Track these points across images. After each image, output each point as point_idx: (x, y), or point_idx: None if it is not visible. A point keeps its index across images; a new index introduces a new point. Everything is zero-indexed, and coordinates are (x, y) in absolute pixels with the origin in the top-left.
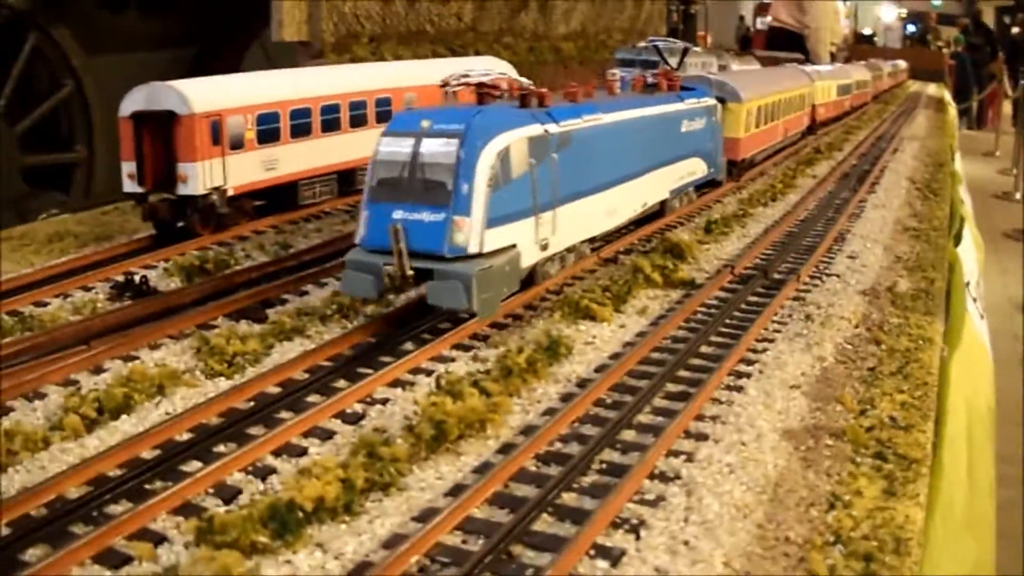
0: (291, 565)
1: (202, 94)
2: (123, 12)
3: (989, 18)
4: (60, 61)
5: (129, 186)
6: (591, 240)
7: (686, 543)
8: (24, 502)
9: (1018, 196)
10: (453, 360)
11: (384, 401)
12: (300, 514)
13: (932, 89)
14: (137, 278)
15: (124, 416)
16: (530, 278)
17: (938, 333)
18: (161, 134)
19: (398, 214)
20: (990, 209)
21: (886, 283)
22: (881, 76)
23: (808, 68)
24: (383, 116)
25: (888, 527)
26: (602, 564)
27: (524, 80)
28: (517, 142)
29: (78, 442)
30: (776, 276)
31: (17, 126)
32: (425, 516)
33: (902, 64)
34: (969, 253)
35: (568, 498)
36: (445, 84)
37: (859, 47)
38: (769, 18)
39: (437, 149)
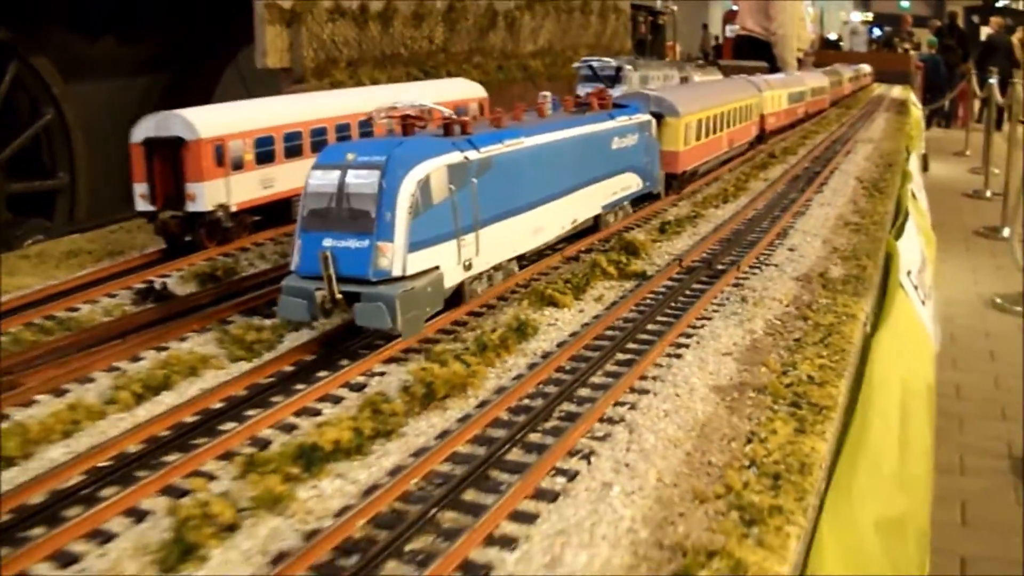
0: (317, 489)
1: (207, 121)
2: (99, 40)
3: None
4: (41, 89)
5: (141, 205)
6: (520, 257)
7: (627, 465)
8: (92, 457)
9: (988, 194)
10: (438, 342)
11: (382, 373)
12: (322, 453)
13: (897, 91)
14: (157, 284)
15: (165, 392)
16: (459, 296)
17: (863, 311)
18: (170, 158)
19: (327, 242)
20: (961, 207)
21: (819, 270)
22: (840, 81)
23: (757, 78)
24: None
25: (796, 455)
26: (560, 480)
27: (445, 110)
28: (437, 170)
29: (130, 412)
30: (719, 267)
31: (0, 155)
32: (420, 453)
33: (865, 68)
34: (912, 245)
35: (534, 437)
36: (370, 118)
37: (825, 52)
38: (737, 26)
39: (361, 180)
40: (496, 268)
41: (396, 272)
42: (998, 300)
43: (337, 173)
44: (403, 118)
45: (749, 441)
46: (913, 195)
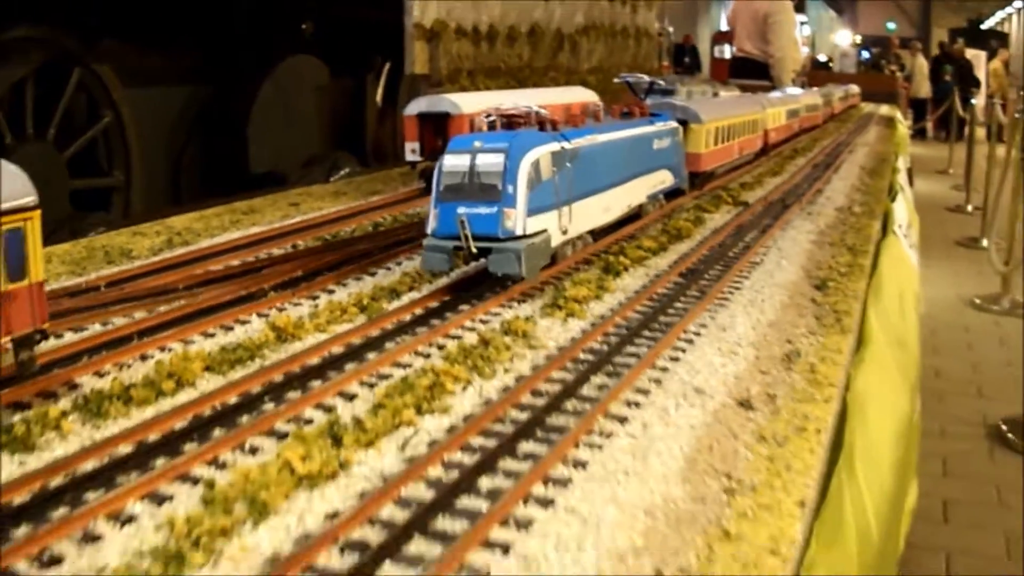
0: (622, 278)
1: (464, 103)
2: (148, 51)
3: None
4: (102, 94)
5: (410, 157)
6: (592, 232)
7: (782, 261)
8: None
9: (969, 208)
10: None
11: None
12: (619, 268)
13: (884, 110)
14: None
15: None
16: (553, 259)
17: (876, 225)
18: (434, 126)
19: (461, 209)
20: (944, 221)
21: (847, 207)
22: (831, 101)
23: (760, 96)
24: None
25: (855, 265)
26: (747, 271)
27: (543, 111)
28: (544, 155)
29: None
30: (787, 203)
31: (65, 153)
32: (677, 262)
33: (854, 88)
34: (901, 211)
35: (723, 261)
36: (488, 115)
37: (816, 73)
38: (727, 47)
39: (489, 160)
40: (578, 238)
41: (518, 231)
42: (977, 301)
43: (468, 156)
44: (509, 117)
45: (833, 258)
46: (900, 185)
